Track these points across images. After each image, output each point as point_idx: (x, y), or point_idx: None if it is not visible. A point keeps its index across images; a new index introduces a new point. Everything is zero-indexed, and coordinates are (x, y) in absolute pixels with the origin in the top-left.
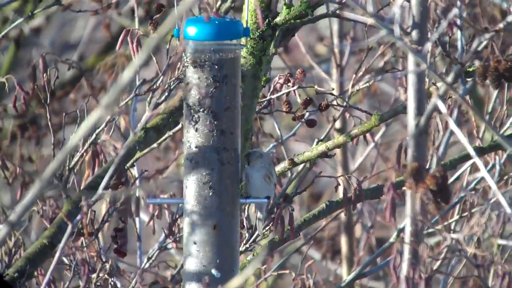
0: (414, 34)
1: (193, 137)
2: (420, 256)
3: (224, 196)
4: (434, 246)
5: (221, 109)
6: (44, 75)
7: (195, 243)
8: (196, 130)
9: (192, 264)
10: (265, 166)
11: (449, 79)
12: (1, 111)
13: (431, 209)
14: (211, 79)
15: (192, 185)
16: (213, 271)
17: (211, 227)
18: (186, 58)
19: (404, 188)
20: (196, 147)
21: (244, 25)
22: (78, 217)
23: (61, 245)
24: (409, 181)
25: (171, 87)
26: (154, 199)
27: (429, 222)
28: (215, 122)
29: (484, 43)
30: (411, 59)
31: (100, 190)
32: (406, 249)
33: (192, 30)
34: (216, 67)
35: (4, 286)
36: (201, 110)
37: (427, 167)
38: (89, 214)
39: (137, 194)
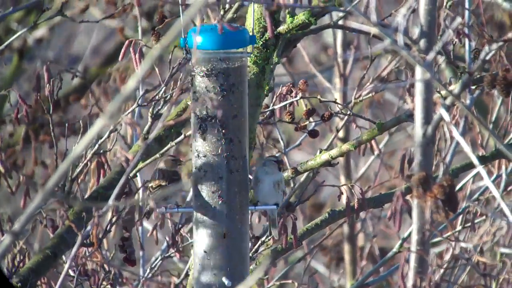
0: (422, 43)
1: (201, 146)
2: (428, 264)
3: (233, 205)
4: (439, 255)
5: (229, 118)
6: (48, 85)
7: (205, 251)
8: (204, 139)
9: (202, 273)
10: (276, 173)
11: (456, 88)
12: (13, 118)
13: (438, 217)
14: (218, 87)
15: (201, 194)
16: (224, 280)
17: (221, 236)
18: (193, 67)
19: (409, 196)
20: (204, 156)
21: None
22: (89, 227)
23: (71, 254)
24: (416, 190)
25: (174, 98)
26: (168, 208)
27: (435, 230)
28: (223, 130)
29: (493, 52)
30: (418, 68)
31: (110, 202)
32: (412, 258)
33: (198, 39)
34: (223, 75)
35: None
36: (209, 119)
37: (433, 176)
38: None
39: (140, 204)
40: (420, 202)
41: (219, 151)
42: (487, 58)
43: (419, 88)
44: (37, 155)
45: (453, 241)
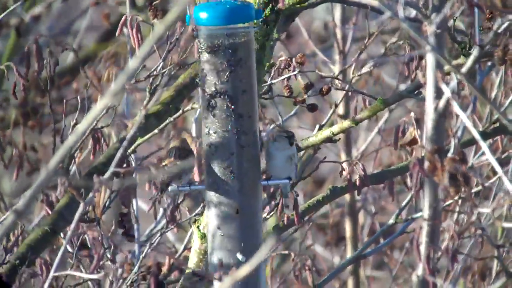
0: (434, 16)
1: (211, 123)
2: (439, 239)
3: (245, 180)
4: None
5: (238, 93)
6: (43, 62)
7: (219, 228)
8: (214, 115)
9: (216, 249)
10: (288, 148)
11: (468, 62)
12: (3, 101)
13: (450, 191)
14: (225, 63)
15: (213, 171)
16: (238, 255)
17: (234, 211)
18: (200, 44)
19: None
20: (214, 132)
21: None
22: (90, 195)
23: (72, 225)
24: (429, 164)
25: (171, 73)
26: (183, 186)
27: (450, 200)
28: (232, 106)
29: (506, 24)
30: (429, 42)
31: (112, 168)
32: (424, 232)
33: (203, 16)
34: (230, 51)
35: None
36: (218, 95)
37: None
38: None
39: (137, 181)
40: (433, 176)
41: (229, 127)
42: (499, 31)
43: (430, 62)
44: (25, 140)
45: (463, 212)
